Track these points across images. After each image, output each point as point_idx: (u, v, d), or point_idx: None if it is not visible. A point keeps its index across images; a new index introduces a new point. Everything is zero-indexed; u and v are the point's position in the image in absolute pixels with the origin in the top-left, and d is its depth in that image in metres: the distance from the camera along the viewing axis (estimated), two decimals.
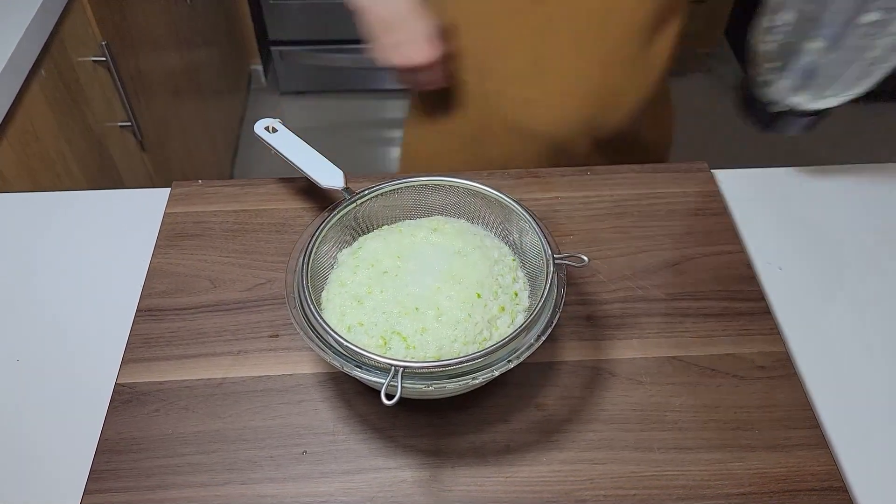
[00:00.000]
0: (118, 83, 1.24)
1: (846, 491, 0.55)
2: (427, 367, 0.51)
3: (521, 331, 0.53)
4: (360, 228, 0.65)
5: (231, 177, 2.09)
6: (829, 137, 2.30)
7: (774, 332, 0.65)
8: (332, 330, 0.53)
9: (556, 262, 0.58)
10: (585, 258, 0.57)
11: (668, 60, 0.87)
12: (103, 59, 1.20)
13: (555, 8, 0.79)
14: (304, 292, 0.55)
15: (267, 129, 0.70)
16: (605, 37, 0.81)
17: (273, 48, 2.30)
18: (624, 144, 0.92)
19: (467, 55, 0.86)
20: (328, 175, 0.67)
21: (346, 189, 0.65)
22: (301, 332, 0.54)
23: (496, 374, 0.52)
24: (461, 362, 0.51)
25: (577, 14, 0.80)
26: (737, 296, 0.68)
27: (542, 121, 0.87)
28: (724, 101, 2.42)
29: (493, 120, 0.89)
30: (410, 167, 1.04)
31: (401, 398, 0.49)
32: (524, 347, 0.53)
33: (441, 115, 0.92)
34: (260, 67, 2.44)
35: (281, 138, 0.70)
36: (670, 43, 0.85)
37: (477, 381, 0.52)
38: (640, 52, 0.83)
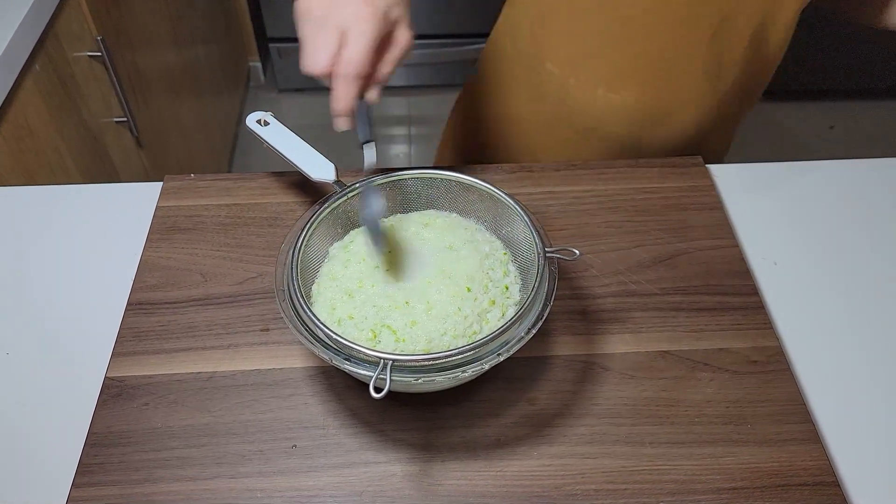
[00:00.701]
0: (114, 79, 1.24)
1: (838, 485, 0.55)
2: (415, 360, 0.50)
3: (510, 324, 0.53)
4: (351, 222, 0.65)
5: None
6: (826, 133, 2.30)
7: (768, 326, 0.65)
8: (321, 323, 0.52)
9: (548, 255, 0.57)
10: (577, 251, 0.57)
11: (766, 74, 0.86)
12: (99, 54, 1.20)
13: (672, 9, 0.74)
14: (294, 285, 0.55)
15: (259, 122, 0.70)
16: (712, 48, 0.77)
17: (272, 45, 2.30)
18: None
19: (558, 45, 0.81)
20: (319, 168, 0.67)
21: (338, 182, 0.65)
22: (290, 325, 0.53)
23: (486, 367, 0.52)
24: (450, 355, 0.51)
25: (688, 20, 0.75)
26: (730, 290, 0.68)
27: (620, 125, 0.84)
28: None
29: (564, 118, 0.86)
30: (457, 151, 1.00)
31: (391, 392, 0.49)
32: (514, 341, 0.52)
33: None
34: (259, 64, 2.43)
35: (272, 131, 0.69)
36: (773, 63, 0.84)
37: (466, 375, 0.52)
38: (733, 66, 0.80)
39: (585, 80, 0.82)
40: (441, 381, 0.52)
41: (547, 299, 0.55)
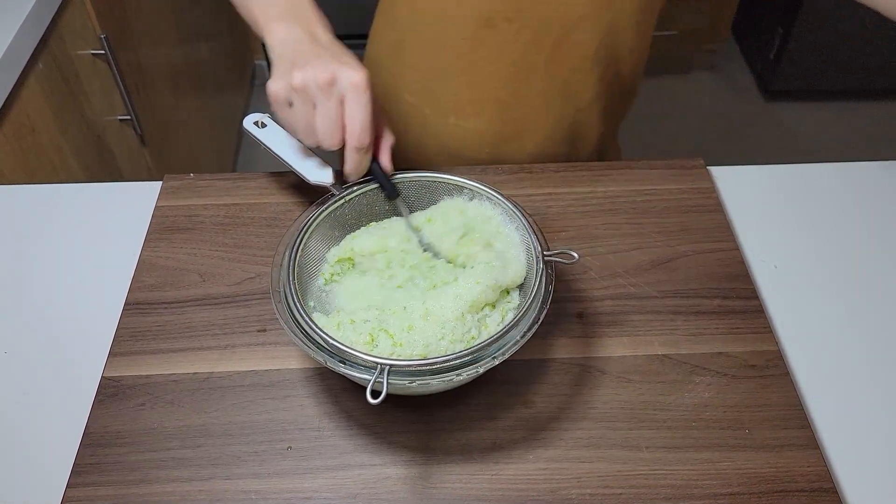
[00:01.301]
0: (117, 76, 1.24)
1: (836, 492, 0.55)
2: (412, 366, 0.50)
3: (508, 329, 0.52)
4: (349, 225, 0.64)
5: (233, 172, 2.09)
6: (827, 135, 2.29)
7: (767, 330, 0.64)
8: (317, 326, 0.52)
9: (546, 259, 0.57)
10: (576, 255, 0.57)
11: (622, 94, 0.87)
12: (102, 52, 1.20)
13: (501, 39, 0.76)
14: (291, 288, 0.55)
15: (256, 123, 0.70)
16: (550, 71, 0.79)
17: None
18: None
19: (411, 77, 0.84)
20: (317, 171, 0.66)
21: (335, 185, 0.65)
22: (285, 328, 0.53)
23: (480, 371, 0.51)
24: (447, 360, 0.50)
25: (525, 47, 0.77)
26: (730, 294, 0.67)
27: (479, 149, 0.86)
28: (728, 100, 2.40)
29: (431, 143, 0.88)
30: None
31: (387, 395, 0.48)
32: (509, 344, 0.52)
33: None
34: (264, 62, 2.43)
35: (270, 133, 0.69)
36: (621, 74, 0.84)
37: (461, 378, 0.51)
38: (585, 84, 0.81)
39: (438, 110, 0.85)
40: (436, 384, 0.51)
41: (543, 302, 0.55)
